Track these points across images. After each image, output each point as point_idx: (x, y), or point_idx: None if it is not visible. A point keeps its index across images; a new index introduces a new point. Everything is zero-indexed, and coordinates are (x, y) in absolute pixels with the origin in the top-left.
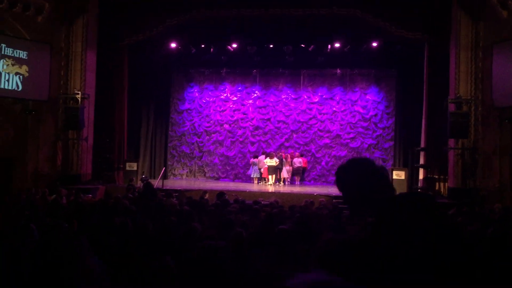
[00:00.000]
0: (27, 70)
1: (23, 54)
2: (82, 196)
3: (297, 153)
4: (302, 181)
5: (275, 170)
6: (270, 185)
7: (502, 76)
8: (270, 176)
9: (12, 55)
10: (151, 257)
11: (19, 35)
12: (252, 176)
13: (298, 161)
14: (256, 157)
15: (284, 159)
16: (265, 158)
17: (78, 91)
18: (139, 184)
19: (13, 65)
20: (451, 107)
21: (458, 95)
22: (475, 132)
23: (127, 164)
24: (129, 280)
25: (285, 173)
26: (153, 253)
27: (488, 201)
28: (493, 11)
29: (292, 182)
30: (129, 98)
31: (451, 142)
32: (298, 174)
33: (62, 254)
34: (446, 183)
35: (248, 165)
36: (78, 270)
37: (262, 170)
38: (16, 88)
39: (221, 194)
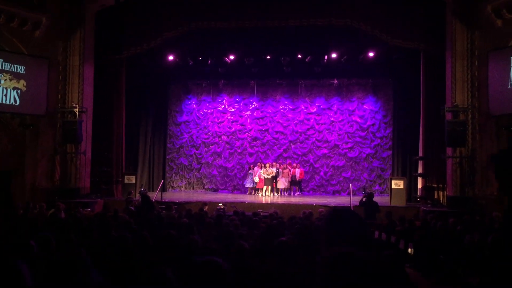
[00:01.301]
0: (25, 84)
1: (20, 69)
2: (80, 210)
3: (294, 164)
4: (301, 192)
5: (271, 181)
6: (266, 196)
7: (497, 84)
8: (265, 187)
9: (10, 70)
10: (150, 270)
11: (16, 50)
12: (246, 185)
13: (298, 172)
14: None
15: (280, 170)
16: (261, 169)
17: (76, 104)
18: (138, 197)
19: (10, 80)
20: (448, 116)
21: (455, 103)
22: (473, 140)
23: (126, 177)
24: None
25: (282, 184)
26: (153, 265)
27: (487, 209)
28: (488, 20)
29: (292, 192)
30: (127, 111)
31: (449, 151)
32: (296, 185)
33: (64, 270)
34: (445, 192)
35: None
36: (80, 285)
37: (258, 180)
38: (14, 103)
39: (220, 213)
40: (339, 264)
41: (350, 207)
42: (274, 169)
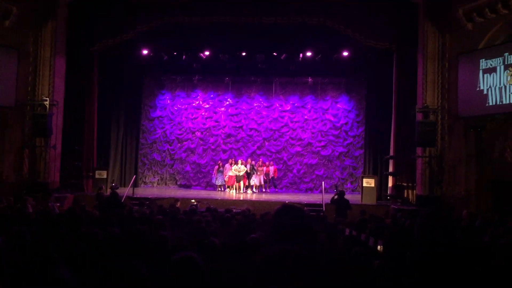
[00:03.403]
0: None
1: None
2: (50, 205)
3: (267, 162)
4: (276, 188)
5: (242, 177)
6: (238, 193)
7: (466, 87)
8: (236, 184)
9: None
10: (121, 264)
11: None
12: (215, 183)
13: (272, 170)
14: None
15: (256, 167)
16: (231, 166)
17: (46, 97)
18: (109, 192)
19: None
20: (419, 116)
21: (425, 104)
22: (442, 140)
23: (97, 172)
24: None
25: (256, 181)
26: (123, 260)
27: (454, 208)
28: (459, 23)
29: (264, 189)
30: (99, 105)
31: (419, 151)
32: (269, 182)
33: (32, 267)
34: (415, 191)
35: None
36: (50, 283)
37: (227, 178)
38: None
39: (192, 210)
40: (277, 262)
41: (295, 205)
42: (243, 166)
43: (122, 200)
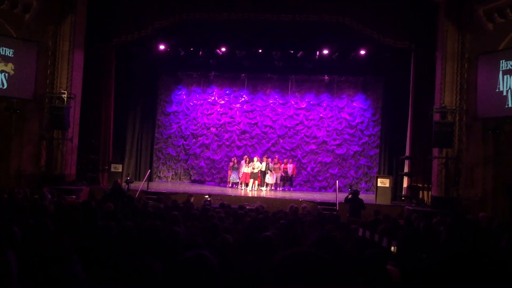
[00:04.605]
0: (13, 68)
1: (9, 52)
2: (65, 198)
3: (285, 159)
4: (291, 187)
5: (257, 175)
6: (252, 190)
7: (486, 88)
8: (251, 181)
9: None
10: (134, 259)
11: (5, 33)
12: (231, 180)
13: (291, 168)
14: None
15: (272, 165)
16: (246, 163)
17: (64, 90)
18: (124, 186)
19: None
20: (436, 117)
21: (443, 104)
22: (459, 142)
23: (112, 165)
24: (111, 283)
25: (272, 179)
26: (137, 255)
27: (470, 210)
28: (480, 23)
29: (280, 188)
30: (116, 99)
31: (435, 151)
32: (287, 180)
33: (47, 259)
34: (430, 192)
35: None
36: (64, 277)
37: (241, 175)
38: (1, 86)
39: (206, 205)
40: (291, 264)
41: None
42: (259, 164)
43: (136, 195)
